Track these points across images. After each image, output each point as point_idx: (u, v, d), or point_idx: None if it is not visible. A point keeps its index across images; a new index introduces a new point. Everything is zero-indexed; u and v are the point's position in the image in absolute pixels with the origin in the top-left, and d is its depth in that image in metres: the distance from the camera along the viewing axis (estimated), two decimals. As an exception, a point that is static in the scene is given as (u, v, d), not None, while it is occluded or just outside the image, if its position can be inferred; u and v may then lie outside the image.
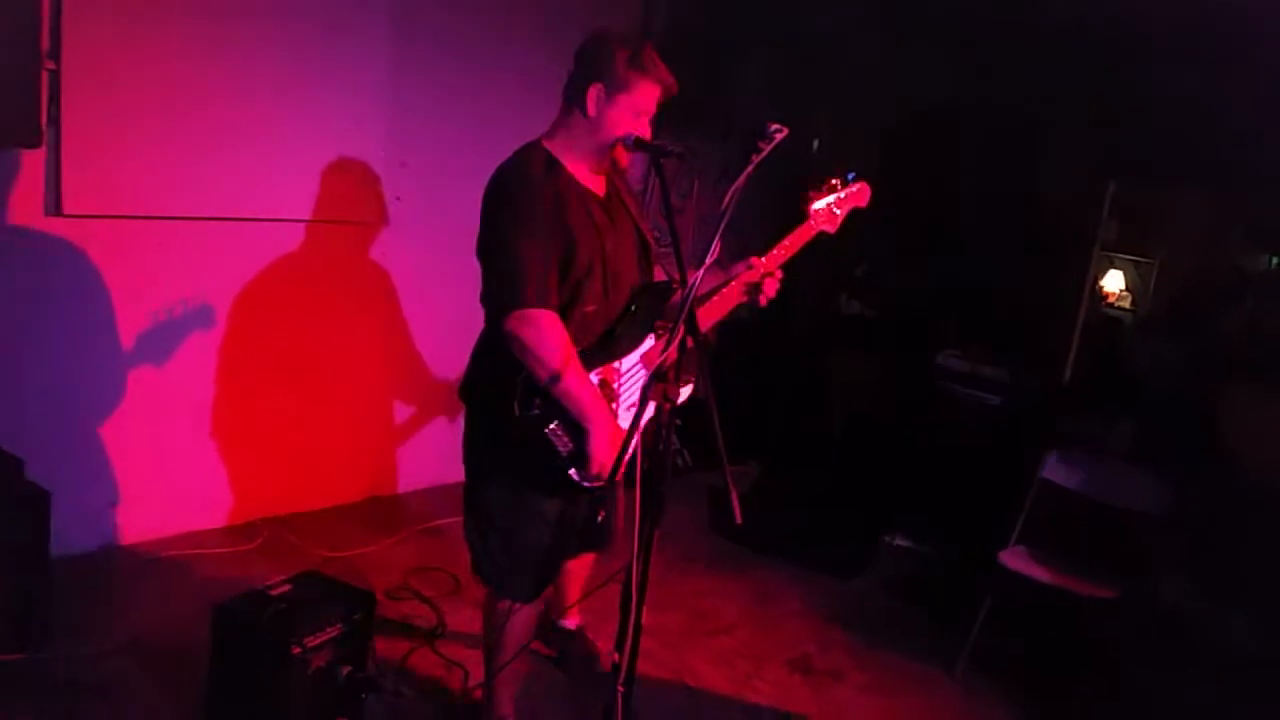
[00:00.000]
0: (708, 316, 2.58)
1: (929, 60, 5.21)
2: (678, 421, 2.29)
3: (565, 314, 2.43)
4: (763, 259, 2.64)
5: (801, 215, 2.72)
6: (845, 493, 4.73)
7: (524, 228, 2.38)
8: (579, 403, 2.39)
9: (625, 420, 2.51)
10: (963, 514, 4.43)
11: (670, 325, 2.43)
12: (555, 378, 2.36)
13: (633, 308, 2.57)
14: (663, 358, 2.12)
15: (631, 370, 2.55)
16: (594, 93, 2.43)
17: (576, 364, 2.39)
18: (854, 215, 2.83)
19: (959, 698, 3.53)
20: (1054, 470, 3.77)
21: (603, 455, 2.41)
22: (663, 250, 2.73)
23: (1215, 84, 4.22)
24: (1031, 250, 5.18)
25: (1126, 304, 5.95)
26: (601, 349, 2.50)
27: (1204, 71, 4.24)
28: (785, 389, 5.61)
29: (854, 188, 2.79)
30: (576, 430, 2.42)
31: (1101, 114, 4.85)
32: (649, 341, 2.57)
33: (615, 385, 2.52)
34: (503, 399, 2.42)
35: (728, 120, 4.97)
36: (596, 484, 2.48)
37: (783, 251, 2.67)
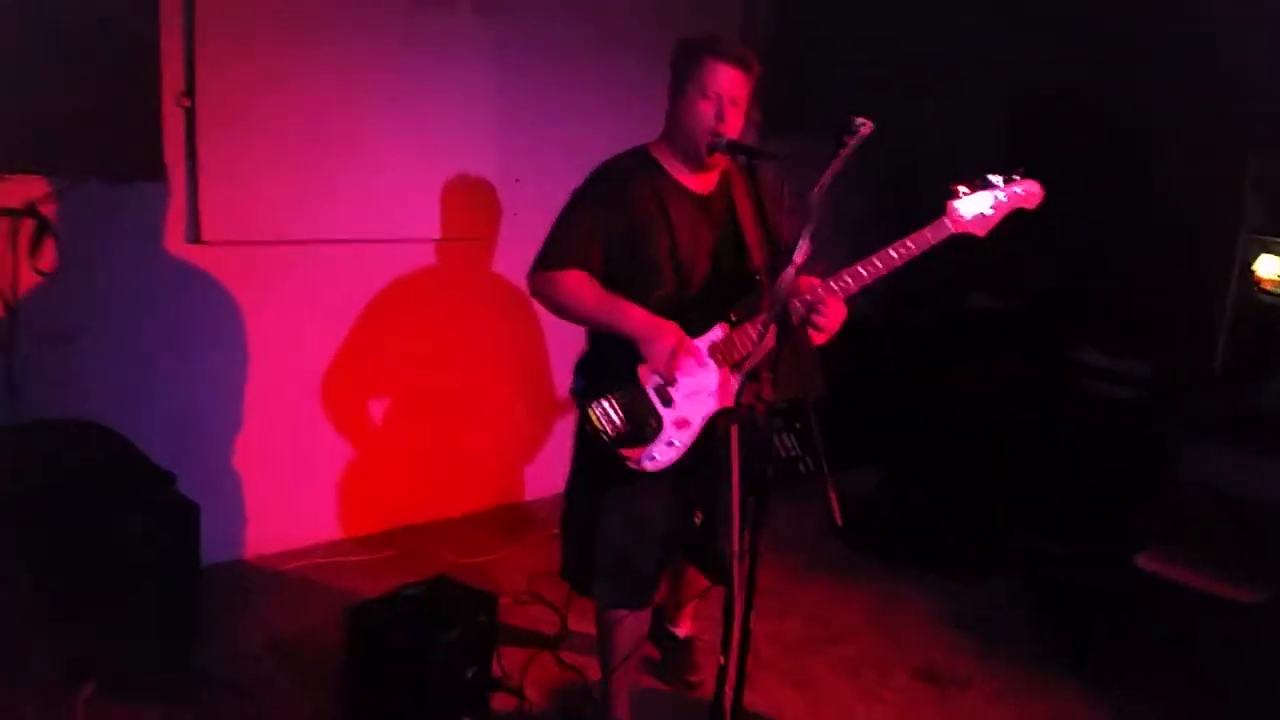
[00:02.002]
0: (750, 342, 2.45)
1: (1046, 42, 5.03)
2: (797, 425, 2.24)
3: (637, 298, 2.49)
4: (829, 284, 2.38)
5: (938, 211, 2.45)
6: (971, 495, 4.58)
7: (578, 205, 2.54)
8: (614, 316, 2.45)
9: (685, 410, 2.47)
10: (1099, 515, 4.23)
11: (743, 314, 2.48)
12: (582, 313, 2.51)
13: (703, 299, 2.54)
14: (747, 357, 2.09)
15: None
16: (670, 91, 2.55)
17: (598, 293, 2.47)
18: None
19: (1092, 707, 3.37)
20: (1194, 466, 3.58)
21: (660, 352, 2.40)
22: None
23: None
24: (1170, 234, 4.92)
25: (1287, 289, 5.58)
26: None
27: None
28: (911, 387, 5.47)
29: (1018, 186, 2.47)
30: (632, 406, 2.44)
31: (1238, 83, 4.57)
32: (717, 331, 2.49)
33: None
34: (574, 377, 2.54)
35: (834, 116, 4.91)
36: (655, 466, 2.45)
37: (869, 270, 2.39)
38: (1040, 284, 5.36)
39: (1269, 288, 5.61)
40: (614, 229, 2.51)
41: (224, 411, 3.79)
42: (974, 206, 2.44)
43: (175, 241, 3.53)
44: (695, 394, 2.47)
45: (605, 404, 2.45)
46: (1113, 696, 3.42)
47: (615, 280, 2.53)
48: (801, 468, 4.96)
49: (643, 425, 2.44)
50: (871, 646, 3.69)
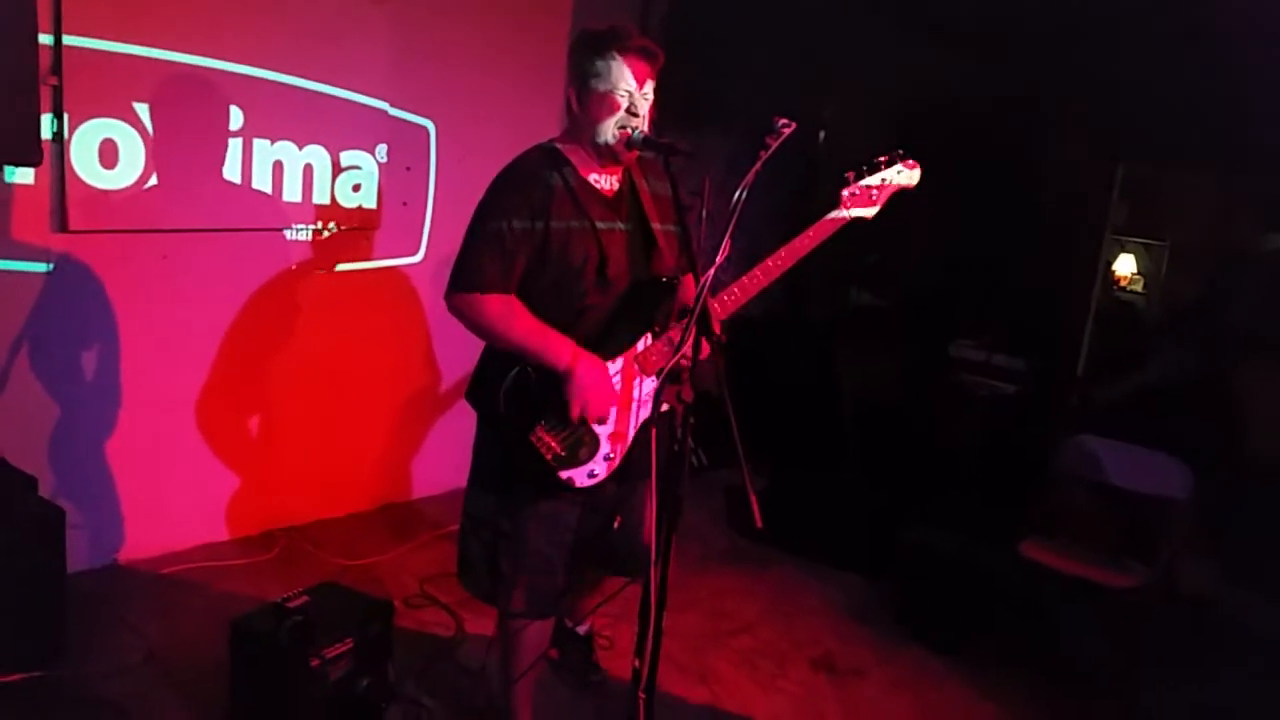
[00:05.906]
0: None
1: (934, 48, 5.17)
2: (691, 420, 2.23)
3: (558, 311, 2.41)
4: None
5: (834, 201, 2.55)
6: (862, 487, 4.68)
7: (491, 216, 2.37)
8: (542, 352, 2.34)
9: (619, 424, 2.44)
10: (982, 505, 4.39)
11: (666, 322, 2.47)
12: (509, 343, 2.37)
13: (627, 308, 2.49)
14: (676, 358, 2.08)
15: (620, 371, 2.45)
16: (575, 87, 2.44)
17: (526, 320, 2.36)
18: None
19: (983, 692, 3.48)
20: (1073, 458, 3.73)
21: (585, 398, 2.34)
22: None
23: (1223, 63, 4.18)
24: (1043, 236, 5.13)
25: (1139, 287, 5.90)
26: (593, 349, 2.42)
27: (1211, 51, 4.20)
28: (798, 383, 5.56)
29: (900, 165, 2.60)
30: (569, 429, 2.38)
31: (1109, 97, 4.80)
32: (644, 341, 2.47)
33: None
34: (492, 399, 2.41)
35: (733, 113, 4.93)
36: (594, 481, 2.43)
37: (778, 262, 2.47)
38: (920, 283, 5.52)
39: (1124, 285, 5.94)
40: (535, 236, 2.38)
41: (93, 409, 3.55)
42: (864, 191, 2.58)
43: (40, 229, 3.26)
44: (626, 407, 2.45)
45: (542, 432, 2.37)
46: (1003, 681, 3.53)
47: (534, 288, 2.42)
48: (695, 461, 4.98)
49: (580, 445, 2.40)
50: (770, 638, 3.73)
